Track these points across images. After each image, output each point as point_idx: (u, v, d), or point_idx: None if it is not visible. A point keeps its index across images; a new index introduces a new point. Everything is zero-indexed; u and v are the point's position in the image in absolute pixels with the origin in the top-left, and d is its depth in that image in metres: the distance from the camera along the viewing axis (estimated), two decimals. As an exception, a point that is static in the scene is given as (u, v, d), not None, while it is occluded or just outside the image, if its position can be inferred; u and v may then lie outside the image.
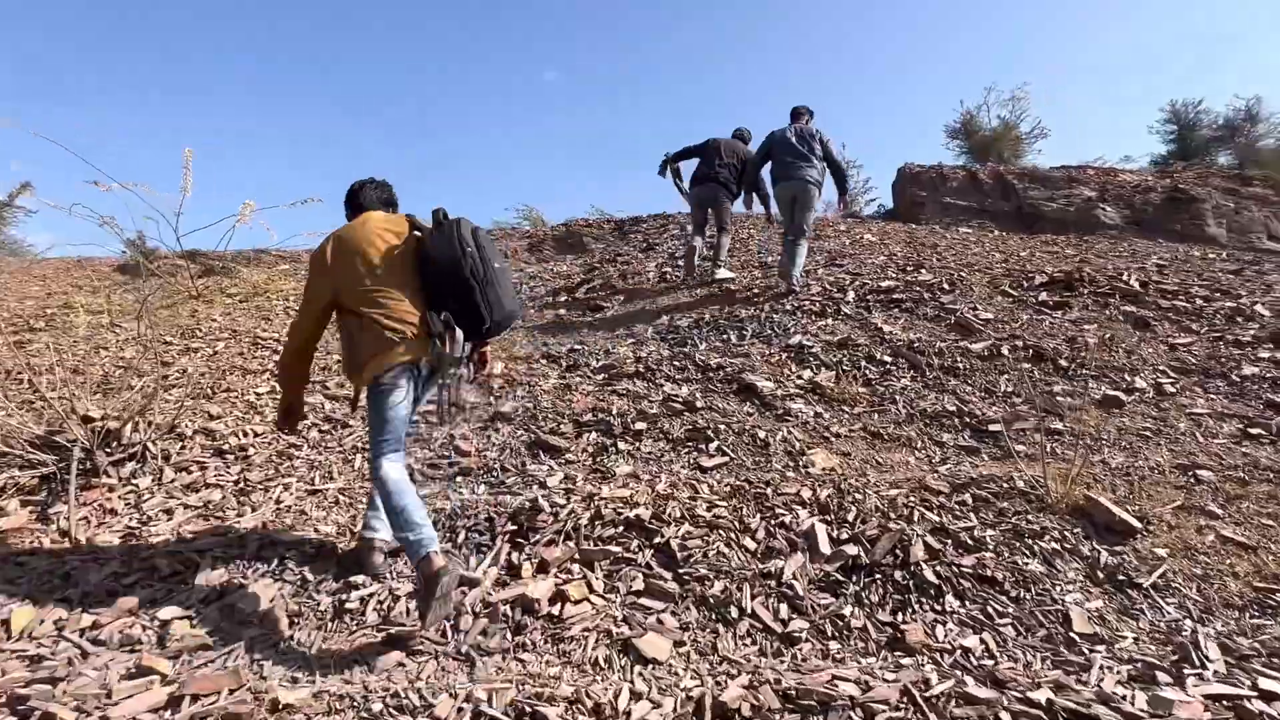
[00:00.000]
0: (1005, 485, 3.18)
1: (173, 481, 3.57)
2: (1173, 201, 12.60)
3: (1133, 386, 4.12)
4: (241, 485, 3.53)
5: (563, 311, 6.92)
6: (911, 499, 3.02)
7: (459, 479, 3.54)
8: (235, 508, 3.31)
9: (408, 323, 2.55)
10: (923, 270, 6.41)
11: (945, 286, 5.80)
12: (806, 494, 3.06)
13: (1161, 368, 4.34)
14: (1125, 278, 5.72)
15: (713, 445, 3.65)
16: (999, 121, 16.67)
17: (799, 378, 4.51)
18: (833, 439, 3.78)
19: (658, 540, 2.78)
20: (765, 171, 6.60)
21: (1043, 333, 4.85)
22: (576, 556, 2.72)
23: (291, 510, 3.28)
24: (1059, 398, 4.04)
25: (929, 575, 2.56)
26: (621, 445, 3.72)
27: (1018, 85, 20.25)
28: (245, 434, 4.11)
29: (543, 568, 2.67)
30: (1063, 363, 4.41)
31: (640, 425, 3.88)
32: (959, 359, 4.53)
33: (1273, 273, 7.22)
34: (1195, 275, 6.60)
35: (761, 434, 3.72)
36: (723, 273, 6.93)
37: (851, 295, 5.83)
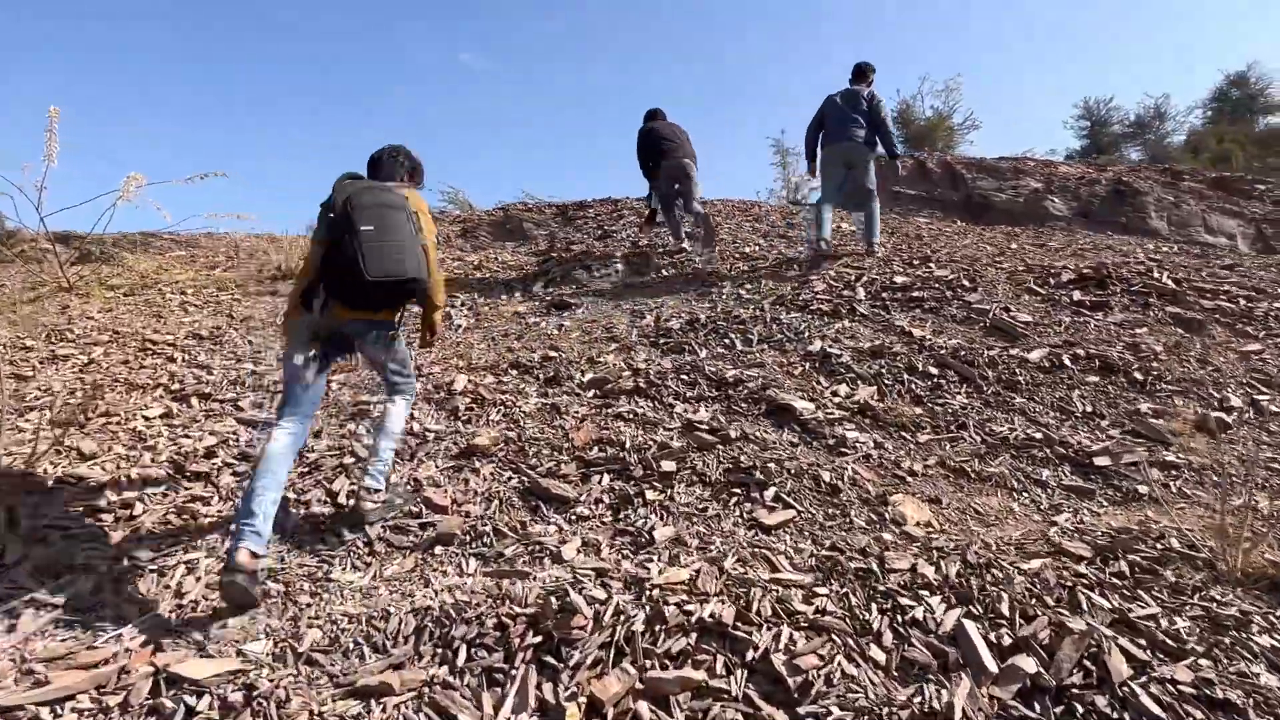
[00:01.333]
0: (1157, 545, 2.49)
1: (17, 566, 2.50)
2: (1118, 194, 12.66)
3: (1228, 404, 3.54)
4: (122, 566, 2.50)
5: (521, 309, 5.96)
6: (1064, 574, 2.29)
7: (437, 548, 2.61)
8: (112, 606, 2.29)
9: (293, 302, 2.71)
10: (932, 264, 5.76)
11: (966, 284, 5.15)
12: (928, 570, 2.28)
13: (1246, 381, 3.79)
14: (1157, 275, 5.22)
15: (768, 492, 2.82)
16: (933, 112, 16.63)
17: (836, 394, 3.74)
18: (908, 478, 3.02)
19: (750, 656, 1.94)
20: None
21: (1098, 339, 4.25)
22: (640, 688, 1.85)
23: (199, 609, 2.29)
24: (1151, 420, 3.41)
25: (1147, 703, 1.81)
26: (649, 494, 2.85)
27: (950, 76, 20.29)
28: (129, 481, 3.05)
29: (595, 709, 1.79)
30: (1137, 375, 3.79)
31: (668, 465, 3.02)
32: (1017, 371, 3.86)
33: (1258, 270, 6.96)
34: (1195, 271, 6.21)
35: (825, 475, 2.93)
36: (701, 257, 6.14)
37: (863, 293, 5.12)
